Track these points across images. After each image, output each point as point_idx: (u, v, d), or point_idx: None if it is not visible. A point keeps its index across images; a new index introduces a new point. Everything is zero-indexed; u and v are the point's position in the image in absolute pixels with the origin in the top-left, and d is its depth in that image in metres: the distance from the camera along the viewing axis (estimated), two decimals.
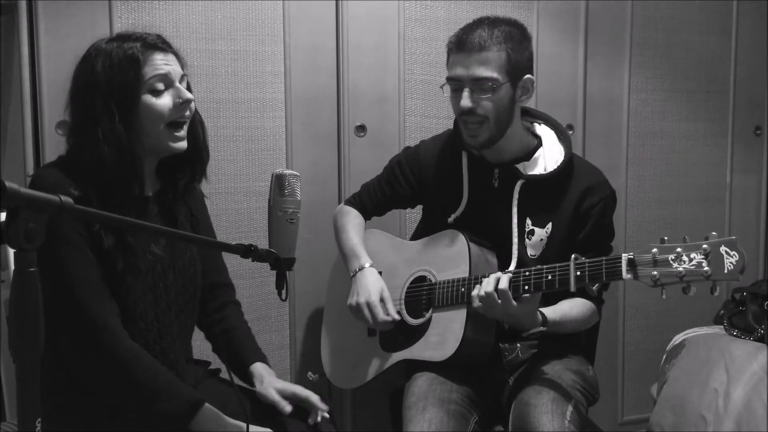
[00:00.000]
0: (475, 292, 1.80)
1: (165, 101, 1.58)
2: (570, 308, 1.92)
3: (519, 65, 1.90)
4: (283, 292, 1.60)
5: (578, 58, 2.65)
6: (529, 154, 1.99)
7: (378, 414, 2.36)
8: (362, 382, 2.08)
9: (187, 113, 1.63)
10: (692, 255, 1.56)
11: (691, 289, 1.57)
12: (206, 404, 1.57)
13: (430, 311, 1.95)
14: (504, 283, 1.75)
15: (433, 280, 1.98)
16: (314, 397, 1.74)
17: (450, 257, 1.95)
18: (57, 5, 2.09)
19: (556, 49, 2.60)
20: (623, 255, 1.65)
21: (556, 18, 2.60)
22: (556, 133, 2.02)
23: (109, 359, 1.52)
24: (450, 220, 2.02)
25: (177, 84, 1.60)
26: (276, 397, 1.71)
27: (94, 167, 1.53)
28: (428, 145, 2.15)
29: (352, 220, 2.16)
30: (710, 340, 2.33)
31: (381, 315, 1.95)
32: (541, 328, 1.84)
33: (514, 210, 1.94)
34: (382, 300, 1.96)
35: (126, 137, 1.54)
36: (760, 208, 2.94)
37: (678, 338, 2.47)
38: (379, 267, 2.05)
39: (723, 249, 1.54)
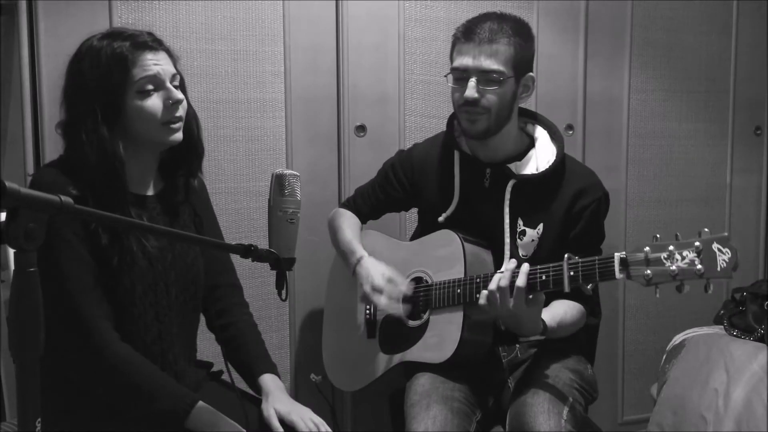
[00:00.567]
0: (492, 287, 1.73)
1: (154, 102, 1.56)
2: (564, 313, 1.89)
3: (524, 61, 1.90)
4: (283, 292, 1.60)
5: (578, 58, 2.65)
6: (521, 153, 1.98)
7: (378, 414, 2.36)
8: (363, 384, 2.08)
9: (179, 113, 1.61)
10: (684, 253, 1.55)
11: (685, 287, 1.56)
12: (201, 402, 1.56)
13: (428, 313, 1.95)
14: (522, 280, 1.71)
15: (430, 281, 1.97)
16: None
17: (445, 258, 1.94)
18: (57, 5, 2.09)
19: (556, 49, 2.60)
20: (615, 254, 1.64)
21: (556, 18, 2.60)
22: (549, 133, 2.02)
23: (101, 361, 1.52)
24: (441, 219, 2.01)
25: (168, 84, 1.58)
26: (273, 421, 1.65)
27: (81, 167, 1.53)
28: (421, 147, 2.15)
29: (348, 219, 2.15)
30: (710, 340, 2.33)
31: (383, 301, 1.91)
32: (540, 337, 1.84)
33: (506, 210, 1.94)
34: (390, 280, 1.93)
35: (108, 139, 1.53)
36: (760, 208, 2.94)
37: (678, 338, 2.47)
38: None
39: (715, 246, 1.53)
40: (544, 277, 1.72)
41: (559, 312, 1.88)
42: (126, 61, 1.53)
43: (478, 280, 1.83)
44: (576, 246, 1.90)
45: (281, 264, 1.56)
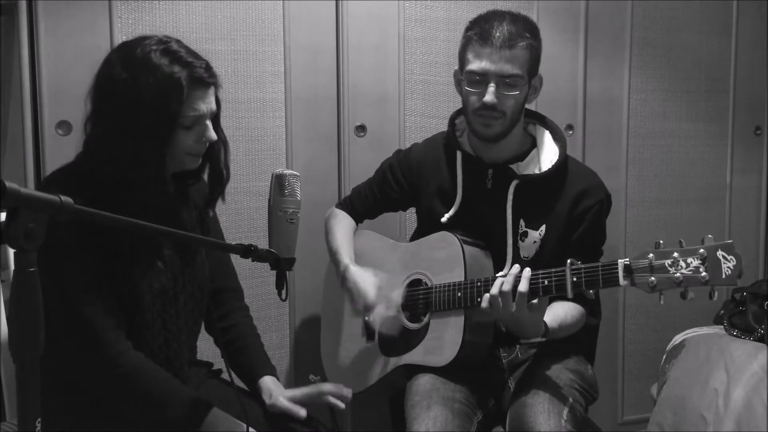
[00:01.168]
0: (495, 291, 1.73)
1: (189, 136, 1.55)
2: (565, 314, 1.89)
3: (536, 63, 1.90)
4: (283, 292, 1.60)
5: (578, 58, 2.65)
6: (523, 154, 1.98)
7: (378, 415, 2.35)
8: (363, 387, 2.07)
9: (205, 148, 1.61)
10: (689, 260, 1.54)
11: (689, 294, 1.55)
12: (214, 407, 1.57)
13: (428, 316, 1.94)
14: (524, 286, 1.70)
15: (429, 284, 1.96)
16: (326, 387, 1.74)
17: (444, 260, 1.93)
18: (57, 5, 2.09)
19: (556, 49, 2.60)
20: (619, 261, 1.62)
21: (556, 18, 2.60)
22: (551, 133, 2.01)
23: (112, 373, 1.51)
24: (443, 219, 2.00)
25: (206, 121, 1.57)
26: (287, 405, 1.69)
27: (112, 182, 1.51)
28: (420, 147, 2.14)
29: (341, 221, 2.14)
30: (710, 340, 2.33)
31: (378, 322, 1.94)
32: (541, 339, 1.84)
33: (509, 211, 1.94)
34: (380, 289, 1.92)
35: (155, 158, 1.52)
36: (760, 208, 2.94)
37: (678, 338, 2.47)
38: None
39: (720, 253, 1.52)
40: (546, 283, 1.71)
41: (559, 313, 1.88)
42: (182, 93, 1.50)
43: (479, 283, 1.83)
44: (577, 247, 1.90)
45: (281, 264, 1.56)
